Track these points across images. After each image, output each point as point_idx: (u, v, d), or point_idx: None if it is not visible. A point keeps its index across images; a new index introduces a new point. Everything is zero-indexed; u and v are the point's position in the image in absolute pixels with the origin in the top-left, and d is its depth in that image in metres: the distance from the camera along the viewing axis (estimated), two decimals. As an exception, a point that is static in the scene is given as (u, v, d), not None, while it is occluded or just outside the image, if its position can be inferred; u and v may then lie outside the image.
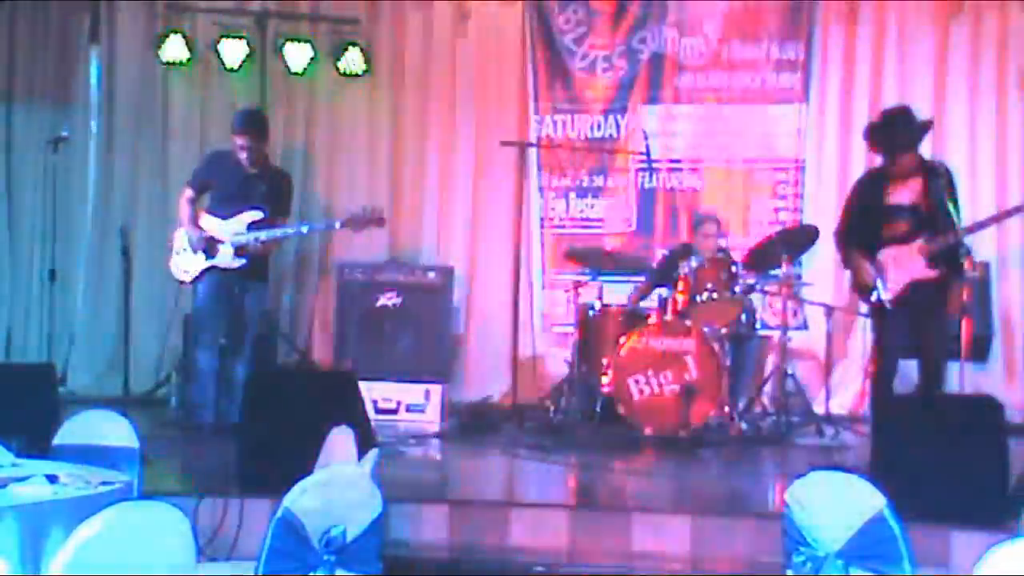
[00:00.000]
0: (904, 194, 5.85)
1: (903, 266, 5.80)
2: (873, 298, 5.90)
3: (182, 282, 6.70)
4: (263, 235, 6.55)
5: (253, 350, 6.65)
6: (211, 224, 6.61)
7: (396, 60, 8.54)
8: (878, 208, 5.91)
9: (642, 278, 7.58)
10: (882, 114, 6.20)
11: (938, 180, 5.75)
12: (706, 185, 8.29)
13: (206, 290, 6.62)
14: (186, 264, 6.62)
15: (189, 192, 6.76)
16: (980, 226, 6.12)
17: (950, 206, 5.65)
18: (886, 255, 5.86)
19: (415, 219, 8.49)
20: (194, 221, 6.63)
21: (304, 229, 7.18)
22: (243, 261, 6.57)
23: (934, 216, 5.70)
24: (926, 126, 6.09)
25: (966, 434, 4.62)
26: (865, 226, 5.97)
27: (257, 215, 6.58)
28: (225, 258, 6.56)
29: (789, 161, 8.22)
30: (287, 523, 2.84)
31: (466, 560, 4.62)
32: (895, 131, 5.88)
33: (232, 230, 6.55)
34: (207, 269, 6.57)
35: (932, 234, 5.72)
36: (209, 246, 6.55)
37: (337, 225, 6.89)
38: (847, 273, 6.36)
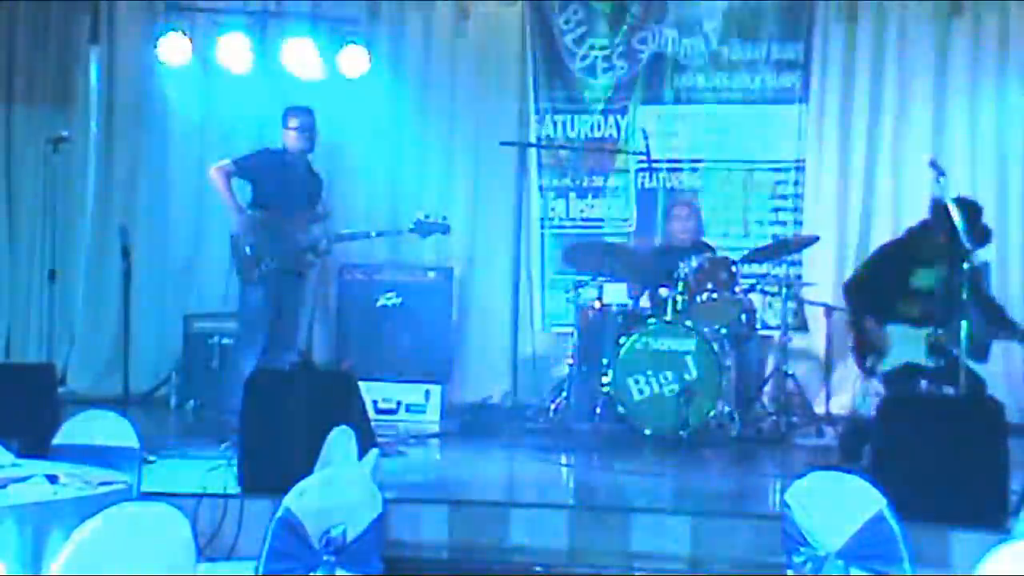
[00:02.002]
0: (929, 278, 5.82)
1: (904, 346, 5.82)
2: (868, 363, 5.94)
3: (251, 281, 6.51)
4: (333, 236, 6.64)
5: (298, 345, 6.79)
6: (275, 221, 6.49)
7: (396, 60, 8.54)
8: (901, 287, 5.88)
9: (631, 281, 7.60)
10: (963, 203, 5.90)
11: (970, 273, 5.71)
12: (706, 185, 8.28)
13: (268, 290, 6.47)
14: (257, 262, 6.44)
15: (230, 166, 6.50)
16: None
17: (972, 302, 5.60)
18: (891, 331, 5.86)
19: (415, 219, 8.48)
20: (245, 212, 6.47)
21: (373, 234, 7.05)
22: (316, 259, 6.63)
23: (951, 307, 5.66)
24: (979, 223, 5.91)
25: (966, 434, 4.62)
26: (883, 298, 5.94)
27: (320, 214, 6.67)
28: (297, 258, 6.54)
29: (789, 161, 8.22)
30: (287, 523, 2.84)
31: (466, 560, 4.62)
32: (968, 225, 5.76)
33: (300, 229, 6.54)
34: (275, 270, 6.47)
35: (944, 326, 5.71)
36: (279, 245, 6.46)
37: (406, 231, 6.92)
38: (850, 334, 6.31)
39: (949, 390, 5.70)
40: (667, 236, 7.73)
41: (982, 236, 5.85)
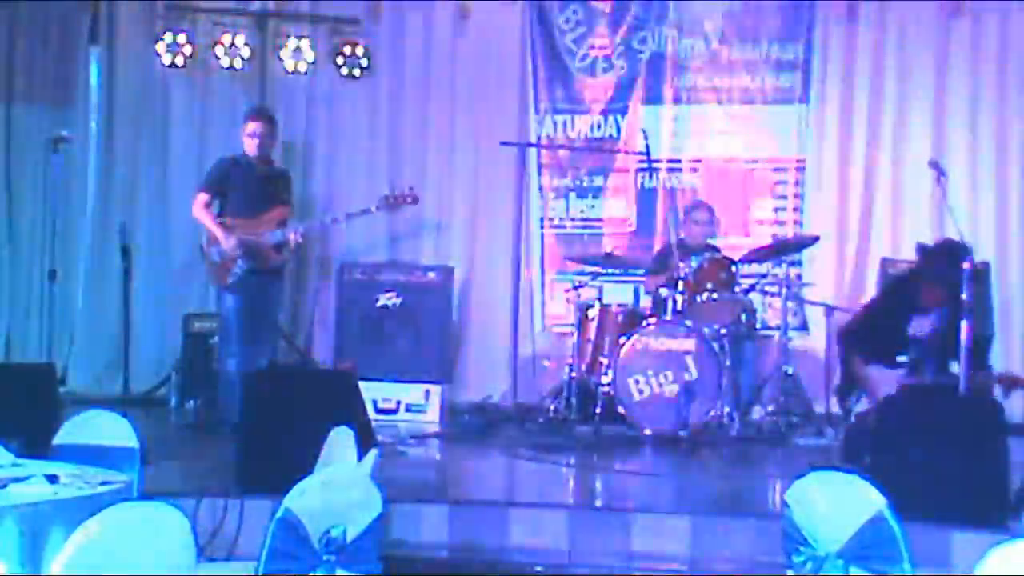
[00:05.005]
0: (924, 326, 5.79)
1: (879, 386, 5.83)
2: (848, 403, 5.98)
3: (224, 287, 6.69)
4: (302, 228, 6.65)
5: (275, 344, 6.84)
6: (242, 226, 6.62)
7: (396, 60, 8.54)
8: (898, 336, 5.86)
9: (643, 277, 7.60)
10: (943, 243, 6.00)
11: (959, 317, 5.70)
12: (706, 185, 8.28)
13: (242, 294, 6.63)
14: (229, 267, 6.61)
15: (205, 197, 6.76)
16: None
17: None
18: (872, 371, 5.88)
19: (415, 219, 8.49)
20: (223, 226, 6.64)
21: (341, 217, 7.08)
22: (284, 257, 6.63)
23: (942, 353, 5.65)
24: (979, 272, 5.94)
25: (966, 434, 4.62)
26: (876, 345, 5.94)
27: (287, 211, 6.70)
28: (267, 258, 6.60)
29: (789, 161, 8.22)
30: (287, 523, 2.84)
31: (466, 560, 4.62)
32: (948, 263, 5.76)
33: (267, 229, 6.60)
34: (246, 272, 6.60)
35: (924, 370, 5.72)
36: (248, 251, 6.58)
37: (373, 208, 6.82)
38: (840, 370, 6.29)
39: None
40: (683, 237, 7.62)
41: (971, 277, 5.80)
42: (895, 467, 4.53)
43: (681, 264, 6.85)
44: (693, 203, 7.85)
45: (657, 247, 7.98)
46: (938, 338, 5.73)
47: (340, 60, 8.25)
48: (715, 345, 6.62)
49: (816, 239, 7.45)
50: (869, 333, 5.99)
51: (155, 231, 8.34)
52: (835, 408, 7.33)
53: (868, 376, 5.84)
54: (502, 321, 7.95)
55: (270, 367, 6.92)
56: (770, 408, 7.20)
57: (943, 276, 5.67)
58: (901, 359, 5.83)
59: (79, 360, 8.33)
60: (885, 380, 5.79)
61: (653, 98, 8.34)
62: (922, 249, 5.96)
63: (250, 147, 6.75)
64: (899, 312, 5.89)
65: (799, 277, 7.85)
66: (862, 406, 5.87)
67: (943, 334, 5.67)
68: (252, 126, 6.74)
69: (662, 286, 7.01)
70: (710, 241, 7.58)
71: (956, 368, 5.47)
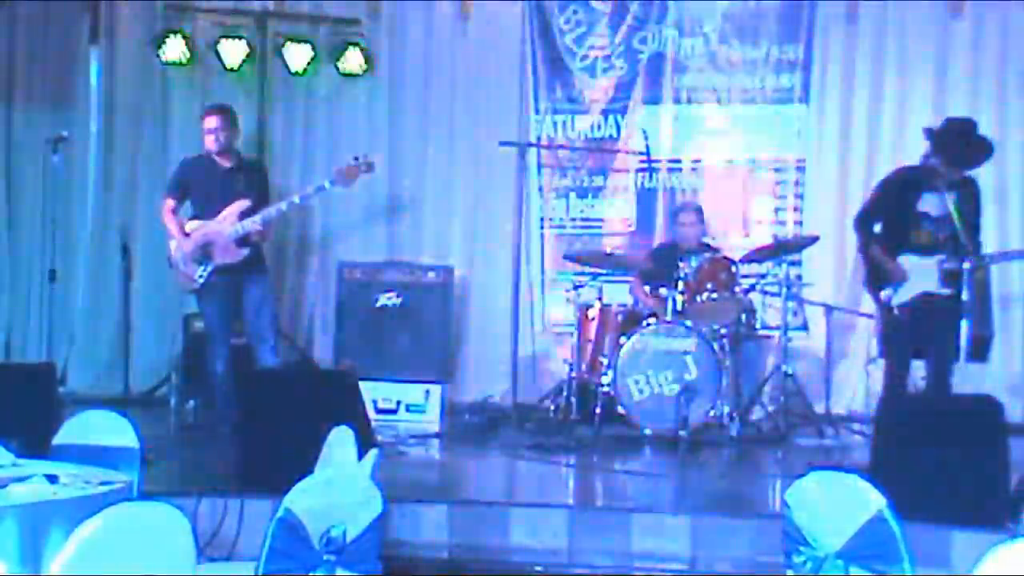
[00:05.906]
0: (935, 204, 5.80)
1: (917, 277, 5.81)
2: (883, 296, 5.93)
3: (196, 292, 6.66)
4: (259, 217, 6.53)
5: (276, 337, 6.76)
6: (202, 227, 6.59)
7: (396, 60, 8.54)
8: (906, 213, 5.88)
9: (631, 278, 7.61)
10: (954, 122, 6.06)
11: (969, 196, 5.74)
12: (706, 185, 8.29)
13: (215, 296, 6.60)
14: (191, 273, 6.58)
15: (171, 202, 6.72)
16: (1005, 257, 6.07)
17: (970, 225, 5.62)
18: (904, 261, 5.86)
19: (415, 219, 8.50)
20: (183, 231, 6.61)
21: (296, 199, 6.82)
22: (247, 251, 6.58)
23: (958, 233, 5.66)
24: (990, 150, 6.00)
25: (966, 434, 4.62)
26: (890, 227, 5.96)
27: (245, 203, 6.58)
28: (228, 254, 6.56)
29: (789, 161, 8.22)
30: (287, 523, 2.84)
31: (466, 560, 4.62)
32: (965, 143, 5.80)
33: (226, 224, 6.55)
34: (212, 272, 6.56)
35: (952, 252, 5.71)
36: (208, 251, 6.54)
37: (327, 184, 6.74)
38: (854, 269, 6.31)
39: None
40: (675, 241, 7.65)
41: (979, 152, 5.84)
42: (895, 467, 4.53)
43: (680, 264, 6.86)
44: (680, 206, 7.87)
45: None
46: (949, 217, 5.72)
47: (340, 60, 8.25)
48: (715, 345, 6.62)
49: (816, 239, 7.44)
50: (883, 212, 6.00)
51: (155, 231, 8.30)
52: (835, 408, 7.38)
53: (898, 268, 5.85)
54: (502, 321, 7.94)
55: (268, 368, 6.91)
56: (770, 408, 7.21)
57: (958, 152, 5.71)
58: (917, 237, 5.84)
59: (79, 360, 8.33)
60: (918, 268, 5.81)
61: (653, 98, 8.34)
62: (931, 132, 5.95)
63: (208, 143, 6.67)
64: (909, 188, 5.90)
65: (799, 277, 7.84)
66: (898, 298, 5.86)
67: (960, 211, 5.67)
68: (206, 122, 6.67)
69: (651, 293, 7.04)
70: (705, 240, 7.58)
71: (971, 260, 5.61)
